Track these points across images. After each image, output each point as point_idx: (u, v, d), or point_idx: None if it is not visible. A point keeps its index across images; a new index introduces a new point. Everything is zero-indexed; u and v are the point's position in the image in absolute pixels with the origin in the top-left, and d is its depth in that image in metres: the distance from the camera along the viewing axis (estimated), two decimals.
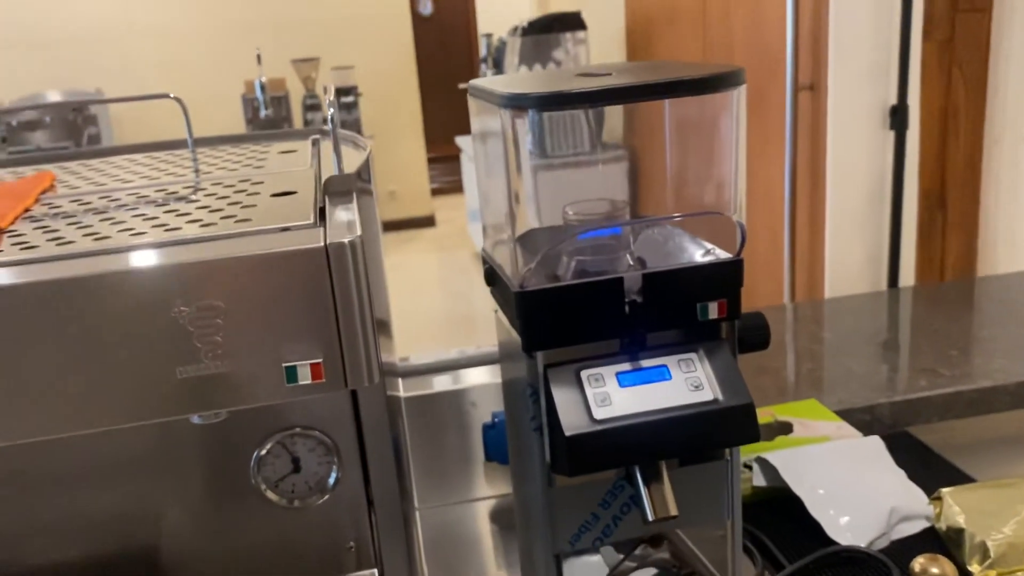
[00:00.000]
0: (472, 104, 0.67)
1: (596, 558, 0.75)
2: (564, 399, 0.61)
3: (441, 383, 1.10)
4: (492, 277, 0.68)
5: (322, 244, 0.48)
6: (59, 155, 0.86)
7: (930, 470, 1.07)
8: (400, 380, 0.83)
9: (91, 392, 0.47)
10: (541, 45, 4.56)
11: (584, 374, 0.62)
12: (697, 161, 0.63)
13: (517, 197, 0.62)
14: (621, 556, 0.69)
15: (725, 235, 0.65)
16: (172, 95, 0.87)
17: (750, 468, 1.00)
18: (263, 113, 5.82)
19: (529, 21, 4.56)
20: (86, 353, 0.47)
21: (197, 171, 0.73)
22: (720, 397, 0.62)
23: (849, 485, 0.96)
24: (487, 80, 0.64)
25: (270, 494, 0.65)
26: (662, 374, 0.63)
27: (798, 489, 0.95)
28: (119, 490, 0.65)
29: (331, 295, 0.48)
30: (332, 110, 0.61)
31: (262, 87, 5.82)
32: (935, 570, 0.73)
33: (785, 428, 1.08)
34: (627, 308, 0.62)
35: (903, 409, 1.16)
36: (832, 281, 2.14)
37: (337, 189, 0.59)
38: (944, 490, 0.91)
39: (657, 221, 0.67)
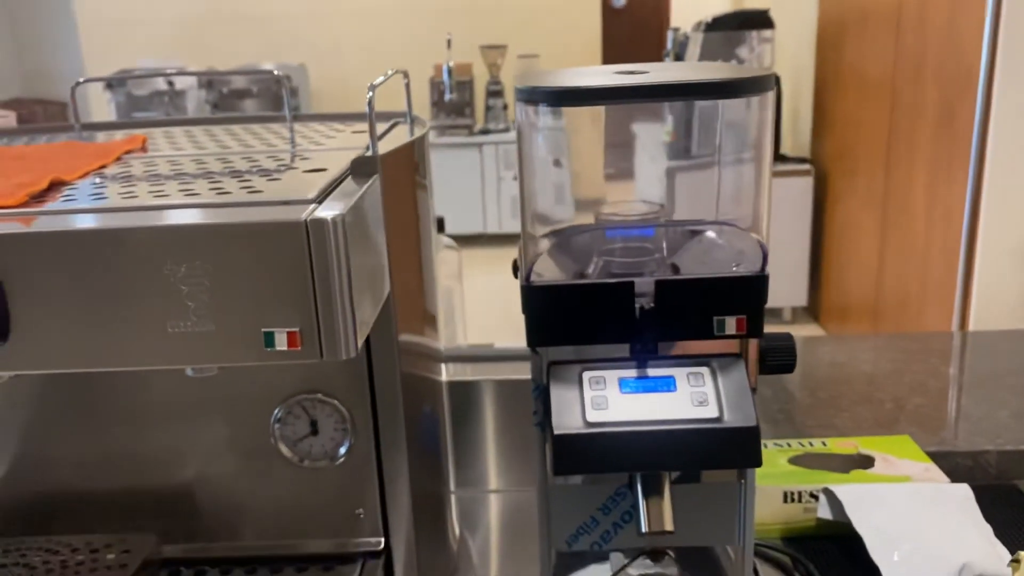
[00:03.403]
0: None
1: (606, 566, 0.74)
2: (561, 398, 0.61)
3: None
4: (516, 270, 0.68)
5: (302, 219, 0.50)
6: (179, 121, 0.94)
7: None
8: (444, 365, 0.85)
9: (93, 335, 0.52)
10: (725, 42, 4.44)
11: (586, 375, 0.62)
12: (722, 170, 0.61)
13: (535, 189, 0.62)
14: (624, 562, 0.68)
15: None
16: (276, 71, 0.94)
17: (816, 498, 0.95)
18: (447, 96, 6.01)
19: (714, 17, 4.44)
20: (94, 300, 0.52)
21: (268, 144, 0.78)
22: (724, 416, 0.60)
23: (920, 531, 0.89)
24: (523, 74, 0.64)
25: (286, 451, 0.69)
26: (668, 384, 0.61)
27: (861, 527, 0.89)
28: (152, 431, 0.71)
29: (309, 268, 0.51)
30: (371, 93, 0.64)
31: (449, 71, 6.01)
32: None
33: (866, 462, 1.01)
34: (638, 313, 0.61)
35: (1013, 460, 1.06)
36: (979, 313, 1.96)
37: (361, 171, 0.62)
38: (1023, 552, 0.82)
39: (673, 226, 0.65)
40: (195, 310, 0.51)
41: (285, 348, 0.52)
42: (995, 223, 1.99)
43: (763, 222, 0.59)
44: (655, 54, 7.60)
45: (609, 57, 6.70)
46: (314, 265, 0.51)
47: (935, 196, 2.93)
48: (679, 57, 5.23)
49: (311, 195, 0.55)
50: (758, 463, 0.60)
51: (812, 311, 4.20)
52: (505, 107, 6.19)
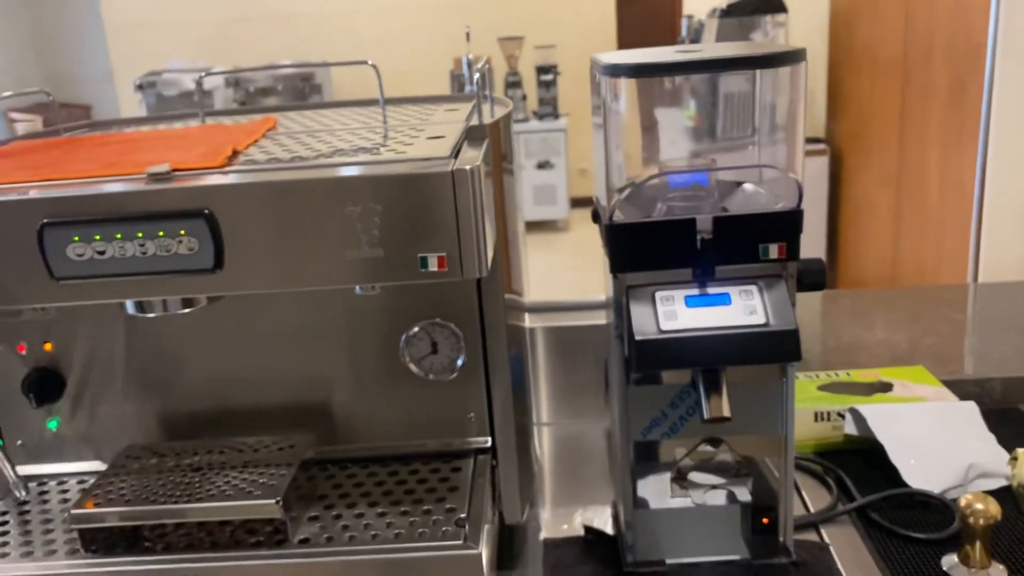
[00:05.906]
0: (592, 74, 0.83)
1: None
2: (639, 312, 0.76)
3: (588, 317, 1.26)
4: (596, 216, 0.84)
5: (449, 170, 0.66)
6: (286, 107, 1.10)
7: None
8: (527, 315, 1.01)
9: (287, 262, 0.68)
10: (739, 27, 4.57)
11: (658, 295, 0.77)
12: (764, 125, 0.76)
13: (615, 150, 0.77)
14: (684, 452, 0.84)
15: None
16: (369, 62, 1.09)
17: (843, 417, 1.10)
18: (467, 89, 6.17)
19: (728, 3, 4.58)
20: (289, 234, 0.68)
21: (382, 122, 0.94)
22: (771, 321, 0.75)
23: (932, 440, 1.04)
24: (600, 54, 0.80)
25: (413, 367, 0.85)
26: (724, 300, 0.77)
27: (882, 438, 1.05)
28: (303, 354, 0.87)
29: (454, 206, 0.67)
30: (477, 75, 0.80)
31: (469, 64, 6.16)
32: (979, 505, 0.82)
33: (885, 387, 1.16)
34: (699, 244, 0.76)
35: (1016, 386, 1.20)
36: (986, 270, 2.10)
37: (474, 136, 0.78)
38: (1020, 449, 0.97)
39: (719, 170, 0.81)
40: (367, 241, 0.67)
41: (436, 269, 0.68)
42: (1001, 186, 2.13)
43: (798, 163, 0.74)
44: (669, 41, 7.72)
45: (625, 45, 6.83)
46: (458, 204, 0.67)
47: (947, 172, 3.06)
48: (694, 43, 5.38)
49: (447, 153, 0.71)
50: (798, 357, 0.75)
51: (829, 287, 4.34)
52: (524, 97, 6.34)
